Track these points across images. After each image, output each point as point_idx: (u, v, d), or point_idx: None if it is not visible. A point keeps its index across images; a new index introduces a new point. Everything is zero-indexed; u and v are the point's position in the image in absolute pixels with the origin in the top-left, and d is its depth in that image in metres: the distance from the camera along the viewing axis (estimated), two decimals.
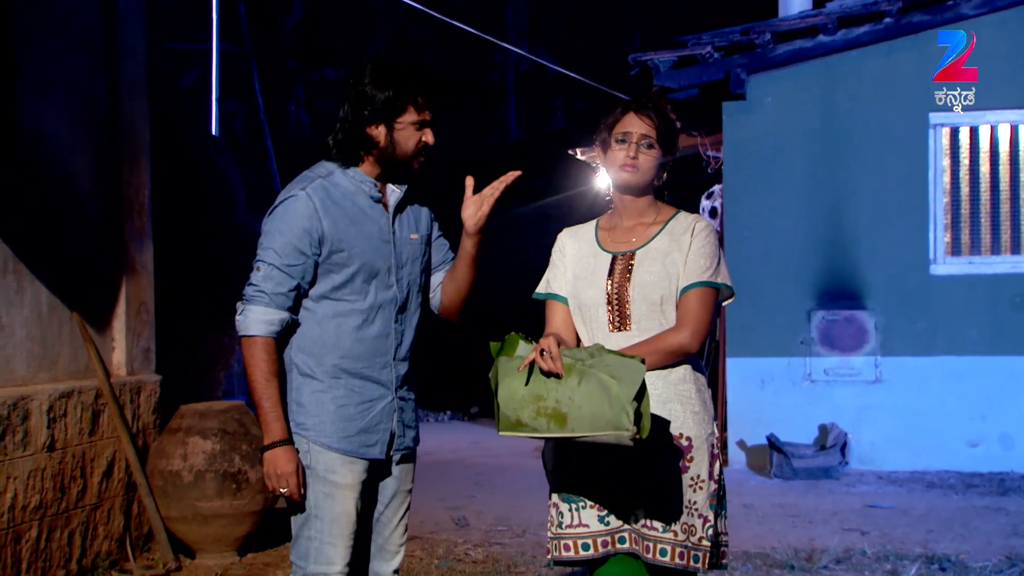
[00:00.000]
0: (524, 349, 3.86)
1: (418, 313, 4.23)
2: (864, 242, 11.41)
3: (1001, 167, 11.36)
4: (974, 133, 11.38)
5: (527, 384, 3.74)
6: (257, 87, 18.66)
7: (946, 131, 11.38)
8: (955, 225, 11.39)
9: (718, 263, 4.06)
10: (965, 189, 11.39)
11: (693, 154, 12.47)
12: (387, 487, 4.20)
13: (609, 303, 4.05)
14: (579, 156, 14.78)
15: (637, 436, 3.61)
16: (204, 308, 9.62)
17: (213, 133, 16.27)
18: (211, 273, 9.60)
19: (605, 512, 4.02)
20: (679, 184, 3.97)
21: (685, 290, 4.02)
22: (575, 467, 4.05)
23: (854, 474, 10.94)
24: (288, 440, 3.96)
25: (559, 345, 3.77)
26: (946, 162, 11.39)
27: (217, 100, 17.41)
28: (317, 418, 4.01)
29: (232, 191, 10.55)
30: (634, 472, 3.95)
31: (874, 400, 11.30)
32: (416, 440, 4.26)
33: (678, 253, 4.05)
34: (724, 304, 4.20)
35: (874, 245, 11.40)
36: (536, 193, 22.08)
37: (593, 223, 4.29)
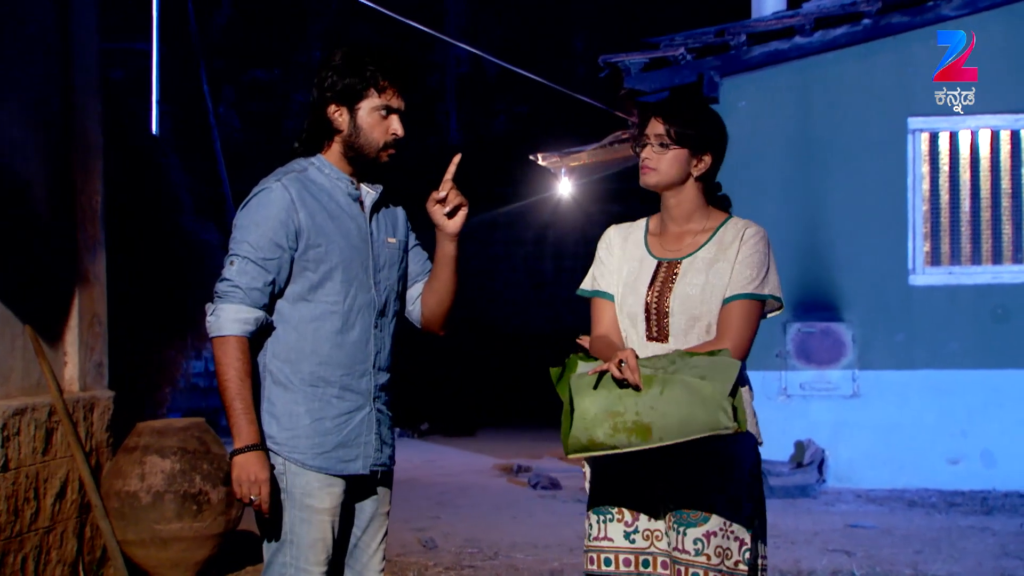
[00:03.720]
0: (586, 369, 3.84)
1: (395, 322, 4.21)
2: (841, 251, 11.54)
3: (982, 174, 11.53)
4: (954, 139, 11.55)
5: (599, 399, 3.72)
6: (206, 89, 18.58)
7: (925, 136, 11.54)
8: (935, 234, 11.55)
9: (766, 272, 4.05)
10: (945, 196, 11.55)
11: None
12: (364, 509, 4.17)
13: (647, 312, 4.07)
14: (540, 162, 14.81)
15: (738, 431, 3.64)
16: (150, 320, 9.58)
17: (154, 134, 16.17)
18: (157, 283, 9.55)
19: (632, 528, 4.05)
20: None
21: (728, 301, 4.01)
22: (613, 475, 4.09)
23: (832, 492, 11.06)
24: (260, 445, 3.89)
25: (636, 356, 3.76)
26: (925, 168, 11.55)
27: (158, 101, 17.32)
28: (291, 432, 3.97)
29: (178, 197, 10.50)
30: (675, 459, 3.94)
31: (851, 415, 11.41)
32: (393, 459, 4.23)
33: (724, 263, 4.04)
34: (771, 315, 4.16)
35: (851, 254, 11.54)
36: (481, 200, 22.08)
37: (643, 223, 4.30)
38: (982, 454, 11.21)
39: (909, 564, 8.06)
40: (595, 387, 3.75)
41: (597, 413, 3.72)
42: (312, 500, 3.97)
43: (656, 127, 4.10)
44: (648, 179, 4.12)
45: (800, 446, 11.30)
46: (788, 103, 11.70)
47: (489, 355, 20.56)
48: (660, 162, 4.09)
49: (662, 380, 3.69)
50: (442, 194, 4.08)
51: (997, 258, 11.49)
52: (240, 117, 25.23)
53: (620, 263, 4.21)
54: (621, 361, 3.73)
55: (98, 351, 7.78)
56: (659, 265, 4.13)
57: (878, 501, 10.68)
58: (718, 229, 4.14)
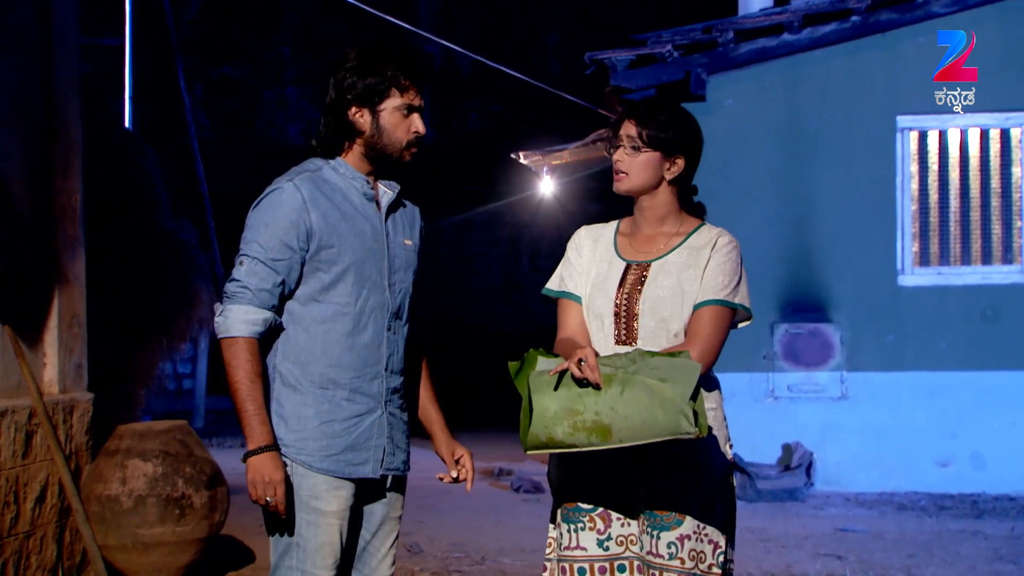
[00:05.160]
0: (546, 364, 3.84)
1: (409, 325, 4.21)
2: (829, 251, 11.57)
3: (971, 173, 11.58)
4: (943, 137, 11.59)
5: (558, 398, 3.72)
6: (183, 85, 18.52)
7: (914, 135, 11.58)
8: (924, 234, 11.60)
9: (738, 282, 4.07)
10: (934, 196, 11.60)
11: None
12: (375, 513, 4.17)
13: (617, 315, 4.08)
14: (522, 160, 14.80)
15: (699, 436, 3.63)
16: (127, 321, 9.53)
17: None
18: (134, 284, 9.51)
19: (605, 535, 4.05)
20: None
21: (698, 307, 4.02)
22: (581, 475, 4.09)
23: (820, 496, 11.10)
24: (274, 446, 3.90)
25: (596, 355, 3.76)
26: (914, 168, 11.59)
27: (131, 97, 17.24)
28: (299, 434, 3.97)
29: (155, 195, 10.45)
30: (648, 459, 3.96)
31: (840, 418, 11.45)
32: (407, 464, 4.23)
33: (695, 269, 4.06)
34: (740, 325, 4.18)
35: (840, 255, 11.57)
36: (454, 200, 22.06)
37: (614, 225, 4.32)
38: (972, 457, 11.27)
39: (903, 568, 8.09)
40: (555, 388, 3.75)
41: (556, 411, 3.72)
42: (319, 503, 3.98)
43: (629, 129, 4.12)
44: (620, 185, 4.15)
45: (788, 449, 11.33)
46: (776, 101, 11.73)
47: (465, 356, 20.53)
48: (631, 166, 4.12)
49: (622, 380, 3.69)
50: (453, 475, 4.37)
51: (987, 258, 11.55)
52: (209, 114, 25.17)
53: (589, 265, 4.23)
54: (581, 359, 3.72)
55: (77, 352, 7.75)
56: (628, 267, 4.16)
57: (867, 504, 10.73)
58: (690, 234, 4.17)
